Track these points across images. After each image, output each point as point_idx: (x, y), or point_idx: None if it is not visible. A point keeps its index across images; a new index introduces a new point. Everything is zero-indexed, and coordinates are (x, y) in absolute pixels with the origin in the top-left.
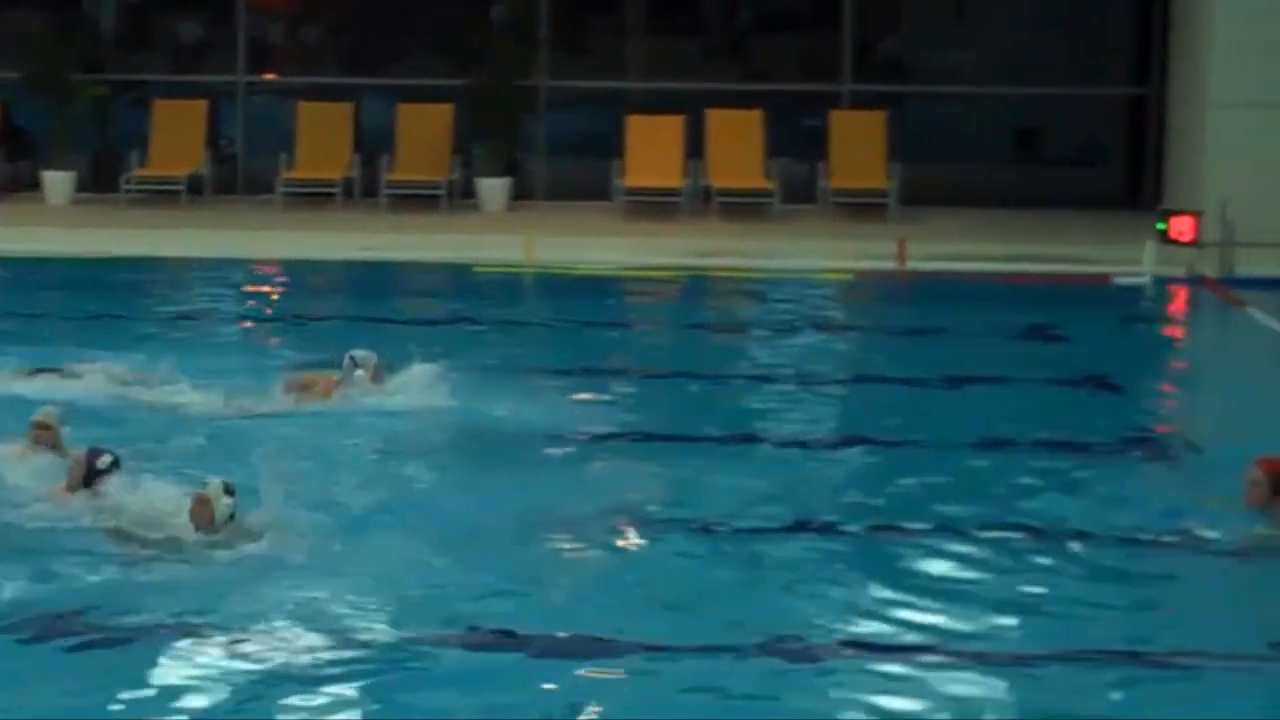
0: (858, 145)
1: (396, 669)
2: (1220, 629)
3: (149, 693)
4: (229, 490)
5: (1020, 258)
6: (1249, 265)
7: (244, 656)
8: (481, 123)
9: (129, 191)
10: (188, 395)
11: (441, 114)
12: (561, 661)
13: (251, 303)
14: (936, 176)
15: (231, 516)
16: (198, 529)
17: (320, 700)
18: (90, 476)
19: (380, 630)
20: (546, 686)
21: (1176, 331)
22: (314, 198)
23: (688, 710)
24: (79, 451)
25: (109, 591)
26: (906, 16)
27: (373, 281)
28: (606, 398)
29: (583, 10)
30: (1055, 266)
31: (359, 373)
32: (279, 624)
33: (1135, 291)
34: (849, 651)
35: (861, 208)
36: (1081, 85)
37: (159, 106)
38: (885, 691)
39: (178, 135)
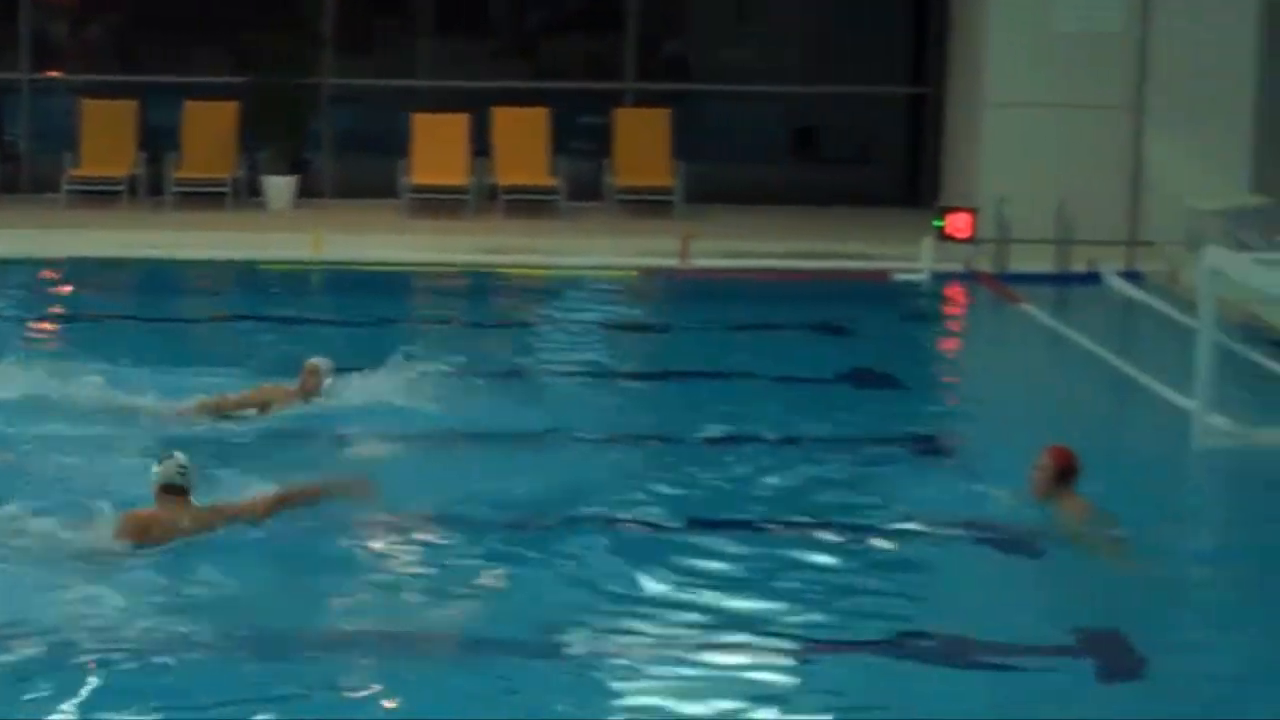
0: (642, 143)
1: None
2: (996, 619)
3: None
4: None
5: (802, 254)
6: (1024, 261)
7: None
8: (267, 120)
9: None
10: None
11: (227, 112)
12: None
13: (36, 302)
14: (720, 174)
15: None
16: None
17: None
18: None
19: None
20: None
21: (954, 327)
22: (100, 196)
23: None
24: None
25: None
26: (689, 16)
27: (159, 280)
28: (391, 394)
29: (368, 8)
30: (836, 263)
31: (328, 381)
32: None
33: (914, 288)
34: (621, 645)
35: (646, 205)
36: (861, 84)
37: None
38: (665, 685)
39: None
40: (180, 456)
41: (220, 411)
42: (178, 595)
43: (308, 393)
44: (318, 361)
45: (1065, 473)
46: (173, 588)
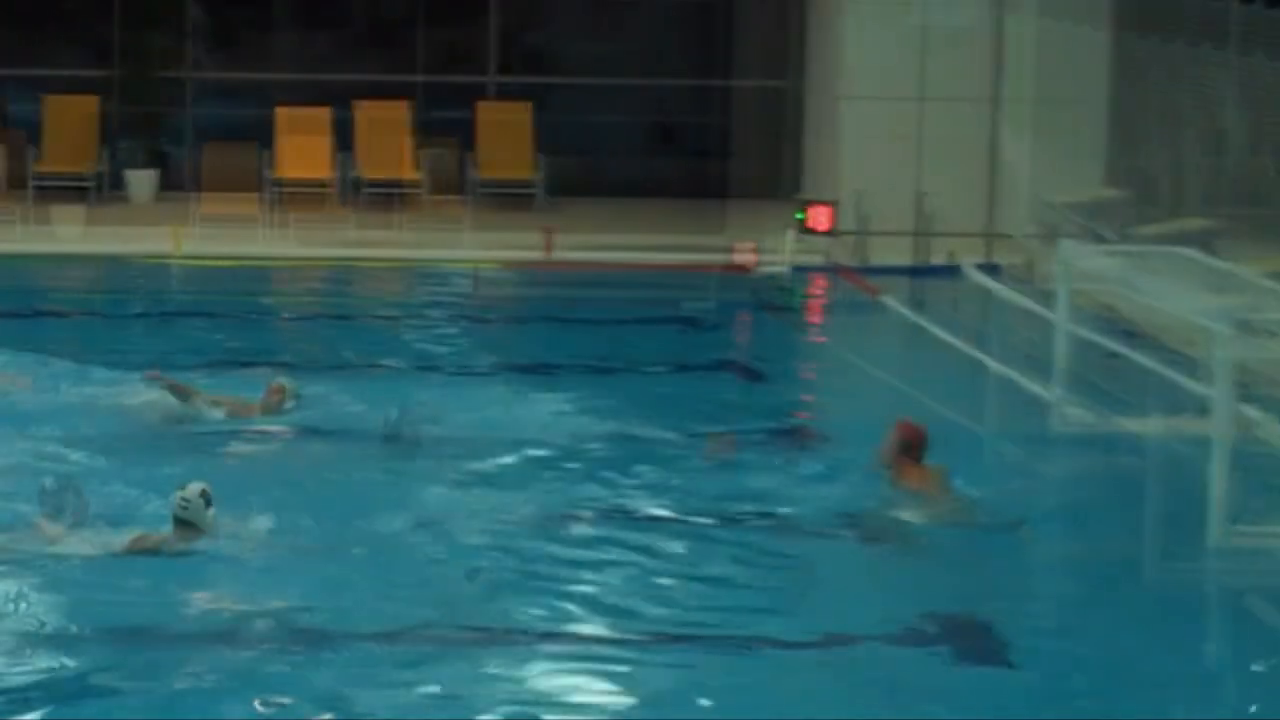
0: (504, 136)
1: None
2: (854, 608)
3: None
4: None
5: (664, 247)
6: (883, 254)
7: None
8: (128, 114)
9: None
10: None
11: (88, 105)
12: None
13: None
14: (582, 167)
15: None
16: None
17: None
18: None
19: None
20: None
21: (815, 319)
22: None
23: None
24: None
25: None
26: (550, 9)
27: (18, 275)
28: (249, 389)
29: (230, 2)
30: (697, 256)
31: (289, 404)
32: None
33: (775, 280)
34: (468, 636)
35: (509, 198)
36: (722, 77)
37: None
38: (513, 678)
39: None
40: (192, 488)
41: (184, 396)
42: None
43: (267, 409)
44: (283, 382)
45: (909, 445)
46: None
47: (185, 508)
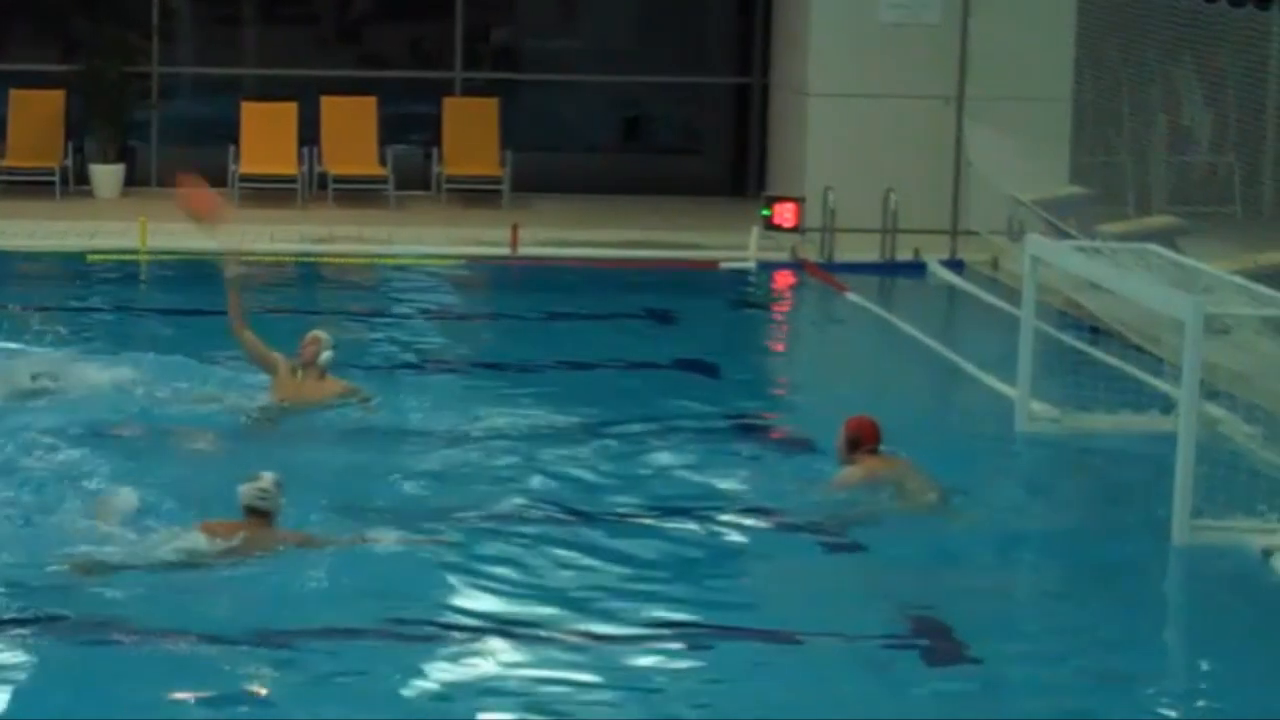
0: (471, 132)
1: None
2: (817, 607)
3: None
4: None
5: (630, 244)
6: (850, 251)
7: None
8: (93, 109)
9: None
10: None
11: (53, 100)
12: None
13: None
14: (548, 164)
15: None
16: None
17: None
18: None
19: None
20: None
21: (781, 316)
22: None
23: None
24: None
25: None
26: (517, 5)
27: None
28: (217, 386)
29: None
30: (664, 252)
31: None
32: None
33: (742, 276)
34: (429, 633)
35: (475, 194)
36: (688, 74)
37: None
38: (471, 676)
39: None
40: (266, 479)
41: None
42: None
43: (306, 363)
44: (319, 333)
45: (856, 441)
46: None
47: (264, 498)
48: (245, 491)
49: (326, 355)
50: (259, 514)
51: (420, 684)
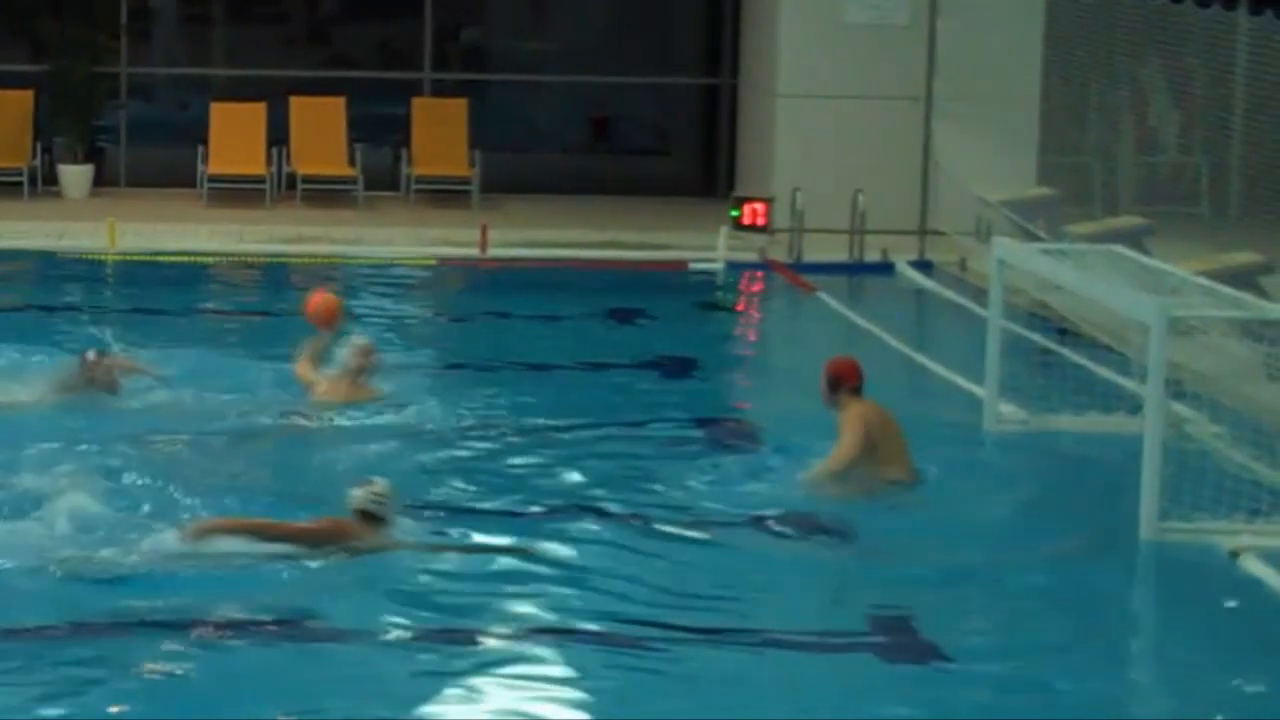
0: (440, 133)
1: None
2: (786, 606)
3: None
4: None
5: (600, 244)
6: (818, 251)
7: None
8: (61, 109)
9: None
10: None
11: (21, 100)
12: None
13: None
14: (518, 164)
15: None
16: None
17: None
18: None
19: None
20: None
21: (750, 316)
22: None
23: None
24: None
25: None
26: (486, 6)
27: None
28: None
29: None
30: (633, 253)
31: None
32: None
33: (710, 277)
34: (400, 636)
35: (444, 195)
36: (657, 75)
37: None
38: (440, 675)
39: None
40: (379, 484)
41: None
42: None
43: (360, 371)
44: (365, 341)
45: (837, 380)
46: None
47: (380, 502)
48: (358, 495)
49: (375, 359)
50: (370, 517)
51: (407, 686)
